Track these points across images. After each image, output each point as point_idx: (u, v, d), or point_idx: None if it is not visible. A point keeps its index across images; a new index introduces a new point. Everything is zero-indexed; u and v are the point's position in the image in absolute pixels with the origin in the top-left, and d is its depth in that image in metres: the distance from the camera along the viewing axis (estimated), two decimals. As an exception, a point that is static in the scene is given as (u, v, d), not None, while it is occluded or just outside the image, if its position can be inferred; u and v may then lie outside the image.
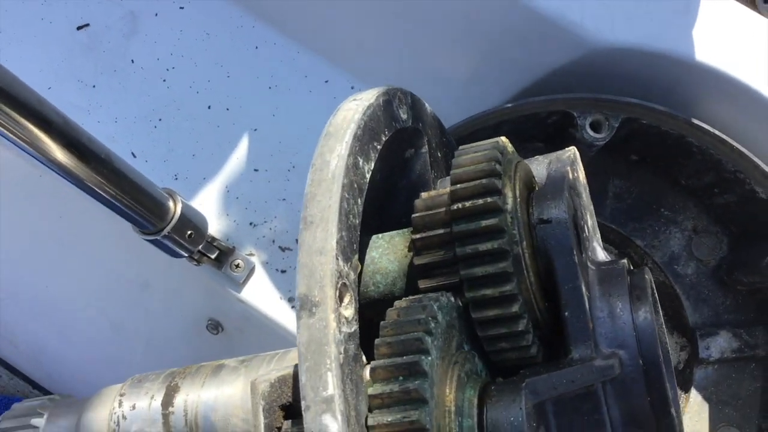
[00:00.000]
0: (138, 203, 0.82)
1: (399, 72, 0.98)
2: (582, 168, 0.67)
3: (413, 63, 0.92)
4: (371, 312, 0.51)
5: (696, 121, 0.80)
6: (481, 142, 0.57)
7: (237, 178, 1.01)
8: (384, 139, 0.58)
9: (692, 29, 0.79)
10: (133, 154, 1.02)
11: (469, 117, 0.82)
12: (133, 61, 1.05)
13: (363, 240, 0.57)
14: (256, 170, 1.01)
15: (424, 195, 0.58)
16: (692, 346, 0.96)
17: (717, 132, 0.80)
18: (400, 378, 0.43)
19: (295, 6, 1.01)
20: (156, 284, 1.08)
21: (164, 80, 1.04)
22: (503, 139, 0.57)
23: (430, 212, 0.55)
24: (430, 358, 0.44)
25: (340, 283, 0.45)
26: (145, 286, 1.09)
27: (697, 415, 0.95)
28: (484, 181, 0.52)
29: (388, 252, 0.58)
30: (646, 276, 0.57)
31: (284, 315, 0.97)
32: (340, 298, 0.45)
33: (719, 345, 0.94)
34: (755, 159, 0.80)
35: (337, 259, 0.45)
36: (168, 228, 0.85)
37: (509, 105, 0.80)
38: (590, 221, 0.66)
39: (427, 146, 0.68)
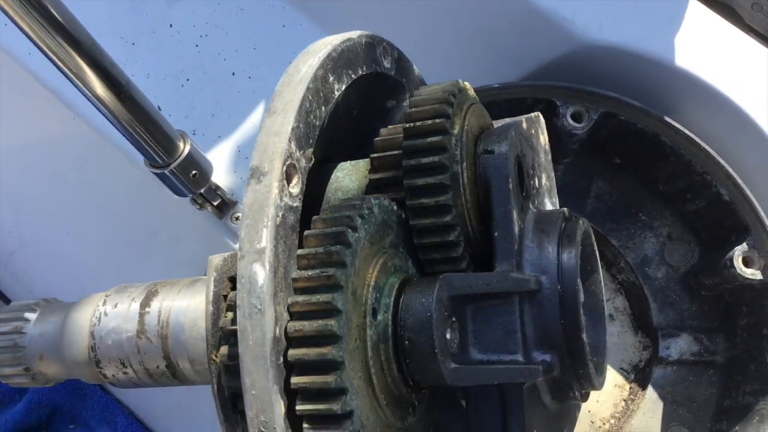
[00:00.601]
0: (151, 135, 0.89)
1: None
2: (545, 132, 0.72)
3: (421, 49, 0.99)
4: None
5: (668, 119, 0.86)
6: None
7: (249, 140, 1.09)
8: (361, 72, 0.64)
9: (675, 36, 0.84)
10: (159, 107, 1.10)
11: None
12: (171, 25, 1.14)
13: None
14: (267, 136, 1.08)
15: (389, 126, 0.64)
16: (654, 346, 1.00)
17: (686, 131, 0.85)
18: (327, 245, 0.49)
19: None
20: (162, 233, 1.15)
21: (196, 45, 1.13)
22: (464, 82, 0.63)
23: (390, 137, 0.61)
24: (357, 234, 0.50)
25: (289, 162, 0.51)
26: (153, 234, 1.17)
27: (651, 412, 0.98)
28: (436, 106, 0.58)
29: (351, 173, 0.64)
30: (580, 223, 0.62)
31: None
32: (288, 177, 0.51)
33: (679, 346, 0.97)
34: (720, 159, 0.85)
35: (290, 142, 0.52)
36: (175, 164, 0.92)
37: (496, 85, 0.87)
38: (545, 179, 0.72)
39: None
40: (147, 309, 0.76)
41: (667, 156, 0.92)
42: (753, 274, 0.85)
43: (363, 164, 0.65)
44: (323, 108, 0.57)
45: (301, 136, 0.53)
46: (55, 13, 0.75)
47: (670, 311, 1.00)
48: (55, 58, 0.78)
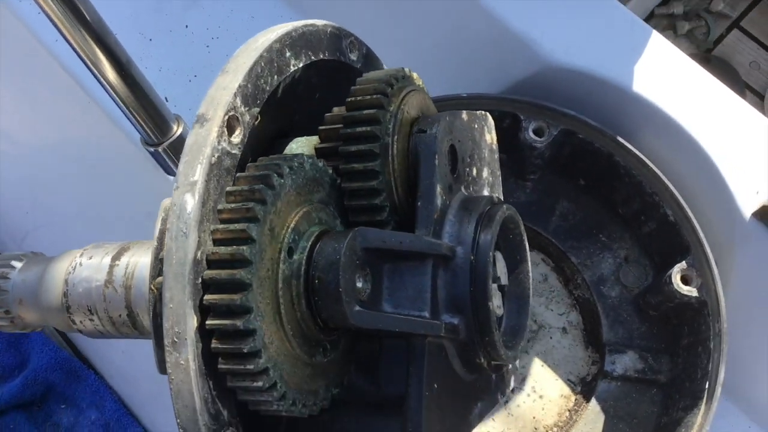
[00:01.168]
0: (147, 113, 0.97)
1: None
2: (492, 131, 0.78)
3: (398, 55, 1.06)
4: None
5: (621, 139, 0.90)
6: (395, 69, 0.70)
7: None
8: (322, 57, 0.71)
9: (634, 65, 0.90)
10: (166, 98, 1.18)
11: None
12: (186, 26, 1.23)
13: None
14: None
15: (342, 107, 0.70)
16: (602, 362, 1.03)
17: (637, 152, 0.90)
18: (252, 185, 0.55)
19: (326, 6, 1.18)
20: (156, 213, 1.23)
21: (207, 46, 1.21)
22: (412, 71, 0.69)
23: (338, 113, 0.67)
24: (282, 180, 0.56)
25: (232, 113, 0.58)
26: (148, 215, 1.24)
27: (592, 423, 1.01)
28: (376, 85, 0.64)
29: (304, 145, 0.70)
30: (504, 208, 0.67)
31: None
32: (230, 127, 0.58)
33: (625, 362, 1.01)
34: (666, 180, 0.89)
35: (236, 97, 0.58)
36: (167, 143, 1.00)
37: (464, 95, 0.93)
38: (486, 173, 0.77)
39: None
40: (117, 262, 0.81)
41: (621, 177, 0.97)
42: (689, 291, 0.89)
43: (316, 139, 0.71)
44: (275, 77, 0.63)
45: (248, 95, 0.59)
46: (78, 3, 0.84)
47: (620, 329, 1.03)
48: (74, 43, 0.86)
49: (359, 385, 0.66)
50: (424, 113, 0.69)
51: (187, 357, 0.52)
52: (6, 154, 1.65)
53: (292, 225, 0.57)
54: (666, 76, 0.89)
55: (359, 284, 0.58)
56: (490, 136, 0.79)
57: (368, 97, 0.63)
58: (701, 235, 0.88)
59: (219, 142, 0.56)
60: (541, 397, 1.03)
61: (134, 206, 1.27)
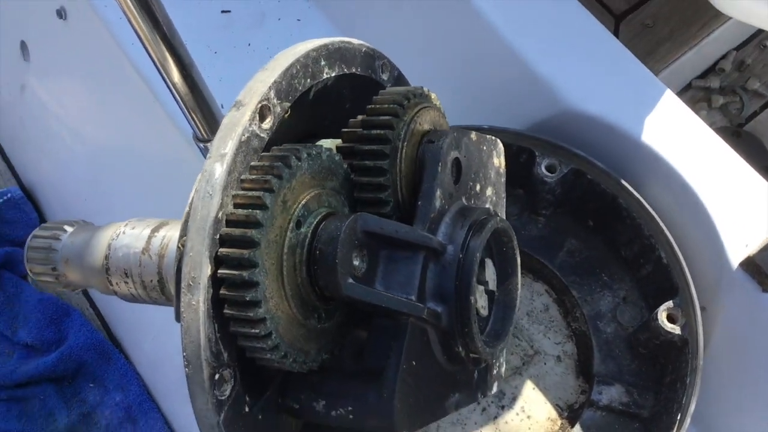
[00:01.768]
0: (201, 112, 1.08)
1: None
2: (501, 156, 0.86)
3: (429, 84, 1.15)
4: None
5: (624, 183, 0.97)
6: (418, 87, 0.78)
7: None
8: (354, 71, 0.79)
9: (645, 117, 0.97)
10: (222, 105, 1.29)
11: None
12: (249, 44, 1.34)
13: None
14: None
15: (366, 115, 0.79)
16: (590, 392, 1.08)
17: (637, 195, 0.96)
18: (273, 163, 0.63)
19: (373, 36, 1.28)
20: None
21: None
22: (431, 91, 0.78)
23: (360, 119, 0.76)
24: (299, 163, 0.64)
25: (265, 103, 0.66)
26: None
27: (574, 449, 1.06)
28: (395, 97, 0.73)
29: (328, 146, 0.79)
30: (497, 219, 0.74)
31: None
32: (262, 114, 0.67)
33: (611, 394, 1.06)
34: (661, 224, 0.95)
35: (270, 90, 0.67)
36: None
37: (485, 126, 1.01)
38: (490, 191, 0.84)
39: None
40: (155, 234, 0.90)
41: (623, 219, 1.03)
42: (673, 329, 0.94)
43: (340, 141, 0.80)
44: (308, 80, 0.72)
45: (281, 90, 0.68)
46: (156, 13, 0.95)
47: (611, 363, 1.08)
48: (148, 46, 0.97)
49: (347, 360, 0.74)
50: (436, 127, 0.77)
51: (198, 299, 0.60)
52: (72, 149, 1.79)
53: (303, 202, 0.65)
54: (672, 131, 0.96)
55: (356, 262, 0.66)
56: (499, 160, 0.86)
57: (386, 106, 0.72)
58: (689, 278, 0.93)
59: (250, 125, 0.65)
60: (528, 417, 1.08)
61: (181, 195, 1.37)
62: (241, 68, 1.33)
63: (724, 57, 1.80)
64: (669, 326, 0.94)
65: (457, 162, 0.76)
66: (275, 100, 0.68)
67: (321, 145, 0.68)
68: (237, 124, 0.64)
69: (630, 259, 1.09)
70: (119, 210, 1.60)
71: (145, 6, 0.96)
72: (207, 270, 0.61)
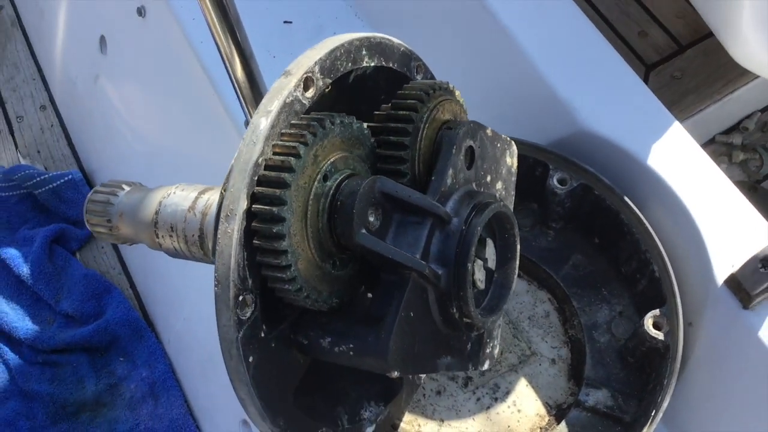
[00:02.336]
0: (256, 102, 1.19)
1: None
2: (514, 157, 0.94)
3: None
4: None
5: (627, 199, 1.04)
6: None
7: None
8: (392, 65, 0.89)
9: (652, 143, 1.05)
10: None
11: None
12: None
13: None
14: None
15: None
16: (579, 393, 1.15)
17: (637, 211, 1.03)
18: (310, 122, 0.73)
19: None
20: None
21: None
22: (455, 88, 0.87)
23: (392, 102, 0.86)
24: (332, 126, 0.74)
25: (309, 75, 0.77)
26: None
27: (558, 445, 1.12)
28: (423, 86, 0.82)
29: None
30: (499, 204, 0.83)
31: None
32: (306, 84, 0.77)
33: (597, 397, 1.12)
34: (656, 239, 1.02)
35: (316, 65, 0.77)
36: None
37: (507, 137, 1.09)
38: (500, 186, 0.93)
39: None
40: (201, 196, 0.99)
41: (625, 235, 1.10)
42: (657, 334, 1.00)
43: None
44: (350, 64, 0.82)
45: (325, 68, 0.78)
46: (229, 12, 1.07)
47: (601, 370, 1.15)
48: (219, 42, 1.09)
49: (353, 313, 0.82)
50: (456, 118, 0.87)
51: (233, 227, 0.70)
52: (131, 145, 1.92)
53: (331, 160, 0.75)
54: (676, 158, 1.04)
55: (371, 218, 0.75)
56: (511, 160, 0.95)
57: (414, 92, 0.82)
58: (677, 291, 1.00)
59: (295, 91, 0.75)
60: (519, 411, 1.15)
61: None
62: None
63: (749, 117, 1.87)
64: (654, 332, 1.00)
65: (470, 150, 0.85)
66: (319, 75, 0.78)
67: (353, 117, 0.78)
68: (284, 88, 0.74)
69: (628, 275, 1.16)
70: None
71: (221, 7, 1.08)
72: (243, 204, 0.70)
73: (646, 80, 1.73)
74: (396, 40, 0.90)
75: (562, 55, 1.13)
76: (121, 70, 1.85)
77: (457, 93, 0.88)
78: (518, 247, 0.89)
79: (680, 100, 1.71)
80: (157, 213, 1.02)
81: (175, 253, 1.03)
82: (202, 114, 1.55)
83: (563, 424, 1.12)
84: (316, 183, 0.73)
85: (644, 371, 1.11)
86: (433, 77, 0.98)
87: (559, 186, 1.11)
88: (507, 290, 0.88)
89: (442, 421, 1.15)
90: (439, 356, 0.84)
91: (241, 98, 1.20)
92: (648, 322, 1.01)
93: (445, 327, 0.83)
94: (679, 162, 1.05)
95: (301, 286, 0.73)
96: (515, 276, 0.90)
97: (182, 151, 1.72)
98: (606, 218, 1.12)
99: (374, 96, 0.90)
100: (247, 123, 1.22)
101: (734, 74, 1.72)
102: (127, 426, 1.88)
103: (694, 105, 1.68)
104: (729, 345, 0.99)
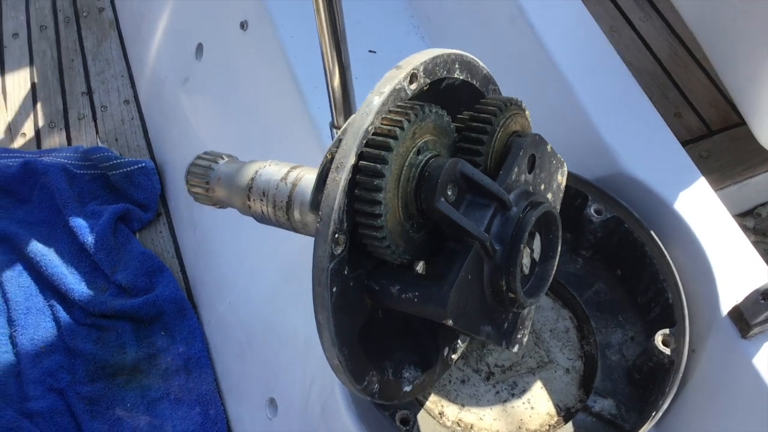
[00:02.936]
0: (345, 107, 1.35)
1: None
2: (565, 176, 1.09)
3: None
4: None
5: (652, 233, 1.18)
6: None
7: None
8: (475, 83, 1.05)
9: (682, 190, 1.19)
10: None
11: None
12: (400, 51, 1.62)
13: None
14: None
15: (476, 114, 1.04)
16: (587, 399, 1.26)
17: (661, 245, 1.16)
18: (414, 105, 0.88)
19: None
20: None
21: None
22: (525, 106, 1.03)
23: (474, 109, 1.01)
24: (430, 114, 0.89)
25: (414, 72, 0.92)
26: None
27: (563, 442, 1.23)
28: (500, 99, 0.98)
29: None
30: (550, 204, 0.97)
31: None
32: (411, 80, 0.92)
33: (603, 405, 1.23)
34: (674, 270, 1.15)
35: (421, 65, 0.93)
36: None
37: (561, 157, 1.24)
38: (550, 196, 1.07)
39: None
40: (293, 170, 1.11)
41: (646, 266, 1.23)
42: (664, 350, 1.13)
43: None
44: (444, 72, 0.97)
45: (427, 69, 0.93)
46: (338, 31, 1.23)
47: (609, 383, 1.26)
48: (326, 52, 1.25)
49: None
50: (524, 130, 1.02)
51: (341, 177, 0.84)
52: (204, 146, 2.08)
53: (425, 139, 0.89)
54: (698, 204, 1.17)
55: (449, 192, 0.89)
56: (562, 179, 1.09)
57: (494, 102, 0.97)
58: (686, 316, 1.12)
59: (403, 81, 0.90)
60: (532, 408, 1.26)
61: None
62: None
63: (763, 204, 2.01)
64: (662, 347, 1.12)
65: (533, 157, 1.00)
66: (422, 73, 0.93)
67: (445, 112, 0.93)
68: (395, 78, 0.90)
69: (644, 304, 1.28)
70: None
71: (333, 24, 1.25)
72: (352, 160, 0.85)
73: (676, 155, 1.89)
74: (482, 63, 1.06)
75: (613, 107, 1.29)
76: (212, 75, 2.02)
77: (527, 112, 1.03)
78: (559, 248, 1.03)
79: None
80: (252, 179, 1.15)
81: (261, 217, 1.16)
82: (286, 125, 1.70)
83: (570, 424, 1.23)
84: (411, 154, 0.88)
85: (648, 388, 1.22)
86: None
87: (595, 215, 1.25)
88: (545, 282, 1.02)
89: (463, 406, 1.26)
90: (483, 323, 0.97)
91: (332, 104, 1.36)
92: (658, 338, 1.13)
93: (492, 299, 0.96)
94: (701, 209, 1.19)
95: (386, 235, 0.86)
96: (553, 272, 1.03)
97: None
98: (632, 249, 1.25)
99: (456, 105, 1.06)
100: (332, 125, 1.38)
101: (756, 161, 1.87)
102: (158, 394, 1.99)
103: (715, 184, 1.82)
104: (726, 371, 1.10)
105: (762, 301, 1.01)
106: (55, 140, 2.50)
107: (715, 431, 1.13)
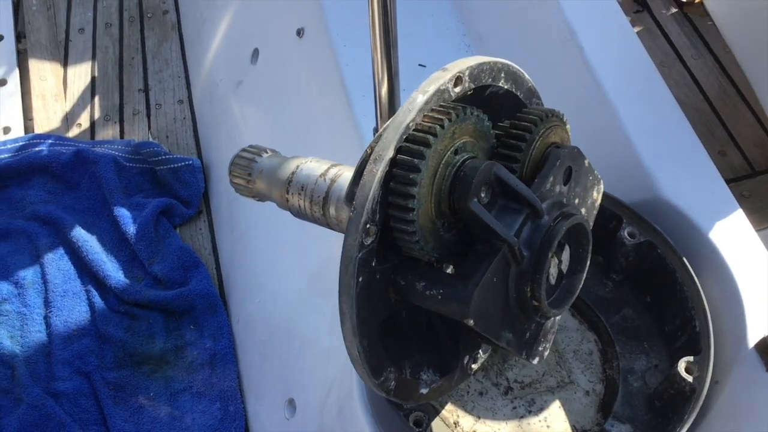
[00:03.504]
0: (390, 112, 1.37)
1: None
2: (600, 194, 1.09)
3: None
4: None
5: (685, 260, 1.17)
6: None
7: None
8: (518, 93, 1.06)
9: (719, 220, 1.18)
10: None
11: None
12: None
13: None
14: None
15: (516, 125, 1.05)
16: (605, 423, 1.25)
17: (692, 272, 1.16)
18: (456, 106, 0.90)
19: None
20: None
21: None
22: (565, 119, 1.04)
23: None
24: (469, 116, 0.91)
25: (459, 75, 0.93)
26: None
27: (577, 461, 1.22)
28: (541, 110, 0.99)
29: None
30: (582, 216, 0.97)
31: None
32: (456, 83, 0.94)
33: (620, 429, 1.21)
34: (704, 300, 1.13)
35: (467, 70, 0.94)
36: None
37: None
38: (583, 211, 1.08)
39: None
40: (333, 167, 1.13)
41: (676, 293, 1.23)
42: (687, 377, 1.11)
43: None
44: (489, 79, 0.99)
45: (473, 74, 0.95)
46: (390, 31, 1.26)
47: (628, 409, 1.25)
48: (377, 58, 1.28)
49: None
50: (562, 142, 1.03)
51: (378, 168, 0.86)
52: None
53: (463, 140, 0.91)
54: (733, 235, 1.17)
55: (482, 194, 0.90)
56: (597, 195, 1.10)
57: (536, 111, 0.99)
58: (712, 343, 1.11)
59: (448, 83, 0.92)
60: (548, 426, 1.25)
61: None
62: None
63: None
64: (684, 374, 1.11)
65: (569, 169, 1.00)
66: (467, 77, 0.95)
67: (486, 116, 0.95)
68: (440, 78, 0.92)
69: (671, 333, 1.27)
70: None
71: (386, 32, 1.27)
72: (390, 153, 0.87)
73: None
74: (527, 76, 1.08)
75: (656, 134, 1.29)
76: (265, 80, 2.08)
77: (568, 126, 1.04)
78: (588, 263, 1.03)
79: (744, 218, 1.83)
80: (293, 174, 1.18)
81: (297, 211, 1.18)
82: (331, 130, 1.73)
83: (586, 443, 1.22)
84: (449, 153, 0.89)
85: (667, 416, 1.20)
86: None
87: (628, 237, 1.25)
88: (571, 295, 1.02)
89: (479, 418, 1.26)
90: (505, 329, 0.97)
91: (378, 112, 1.38)
92: (681, 365, 1.12)
93: (516, 305, 0.97)
94: (737, 241, 1.18)
95: (416, 230, 0.88)
96: (580, 286, 1.03)
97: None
98: (663, 275, 1.24)
99: (498, 114, 1.07)
100: (375, 130, 1.41)
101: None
102: (181, 386, 2.02)
103: (756, 224, 1.79)
104: (749, 403, 1.09)
105: (790, 335, 1.00)
106: (108, 132, 2.58)
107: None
